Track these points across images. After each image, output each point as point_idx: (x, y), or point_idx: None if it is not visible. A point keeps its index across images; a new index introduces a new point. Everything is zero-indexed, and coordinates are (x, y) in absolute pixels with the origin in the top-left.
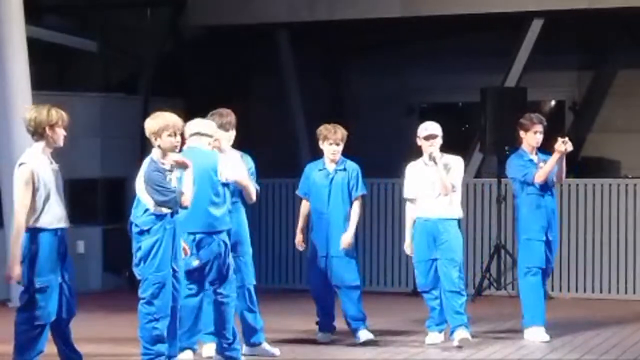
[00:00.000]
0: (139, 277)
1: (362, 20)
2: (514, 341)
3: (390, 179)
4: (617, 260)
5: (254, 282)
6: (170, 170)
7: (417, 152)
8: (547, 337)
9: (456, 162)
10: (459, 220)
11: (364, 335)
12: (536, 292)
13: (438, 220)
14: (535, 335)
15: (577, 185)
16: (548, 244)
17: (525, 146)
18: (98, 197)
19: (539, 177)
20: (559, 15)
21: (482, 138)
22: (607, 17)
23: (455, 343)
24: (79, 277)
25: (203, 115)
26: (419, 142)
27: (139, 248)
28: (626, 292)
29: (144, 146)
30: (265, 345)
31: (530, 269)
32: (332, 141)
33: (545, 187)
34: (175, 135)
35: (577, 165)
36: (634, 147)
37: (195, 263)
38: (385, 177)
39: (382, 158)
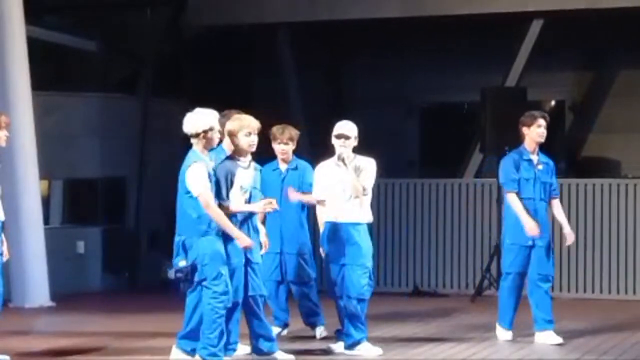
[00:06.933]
0: None
1: (362, 20)
2: (513, 341)
3: (390, 180)
4: (617, 260)
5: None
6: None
7: (417, 152)
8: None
9: (368, 164)
10: (369, 225)
11: (318, 332)
12: (509, 296)
13: (348, 224)
14: (503, 335)
15: (577, 185)
16: (535, 249)
17: (527, 144)
18: (98, 197)
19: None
20: (558, 15)
21: (482, 138)
22: (607, 17)
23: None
24: (78, 277)
25: None
26: (333, 141)
27: None
28: (626, 292)
29: (144, 146)
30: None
31: (509, 274)
32: (279, 140)
33: (536, 194)
34: (250, 135)
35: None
36: (634, 147)
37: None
38: (384, 177)
39: (381, 158)
